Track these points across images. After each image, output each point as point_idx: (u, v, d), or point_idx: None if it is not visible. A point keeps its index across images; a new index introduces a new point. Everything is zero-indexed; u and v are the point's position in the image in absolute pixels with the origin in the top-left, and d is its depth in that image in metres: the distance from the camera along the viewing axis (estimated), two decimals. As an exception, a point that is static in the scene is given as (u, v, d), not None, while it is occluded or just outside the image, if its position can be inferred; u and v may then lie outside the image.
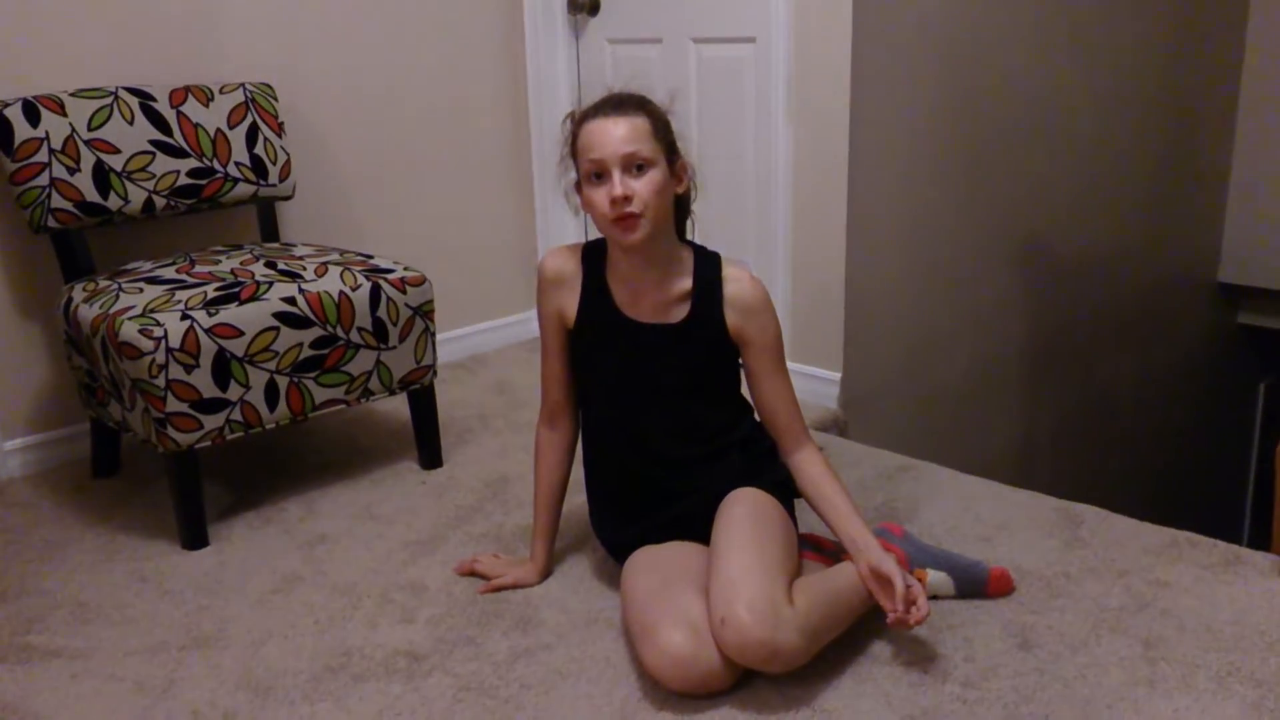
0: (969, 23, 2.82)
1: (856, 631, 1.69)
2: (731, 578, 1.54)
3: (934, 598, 1.81)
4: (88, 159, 2.33)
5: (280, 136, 2.63)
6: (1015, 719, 1.52)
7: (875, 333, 2.78)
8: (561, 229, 3.33)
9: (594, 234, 1.77)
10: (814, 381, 2.75)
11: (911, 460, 2.43)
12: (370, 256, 2.40)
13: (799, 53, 2.62)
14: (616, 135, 1.62)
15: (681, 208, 1.77)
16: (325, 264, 2.29)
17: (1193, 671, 1.61)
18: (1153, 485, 3.99)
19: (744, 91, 2.81)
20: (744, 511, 1.69)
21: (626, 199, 1.61)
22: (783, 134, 2.70)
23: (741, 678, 1.57)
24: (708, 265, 1.75)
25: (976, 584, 1.82)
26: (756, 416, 1.84)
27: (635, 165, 1.63)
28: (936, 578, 1.81)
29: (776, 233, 2.77)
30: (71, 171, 2.31)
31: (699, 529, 1.74)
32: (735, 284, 1.74)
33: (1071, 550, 1.99)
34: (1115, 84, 3.40)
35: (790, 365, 2.94)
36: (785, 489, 1.80)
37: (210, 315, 2.05)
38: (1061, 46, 3.14)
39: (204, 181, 2.49)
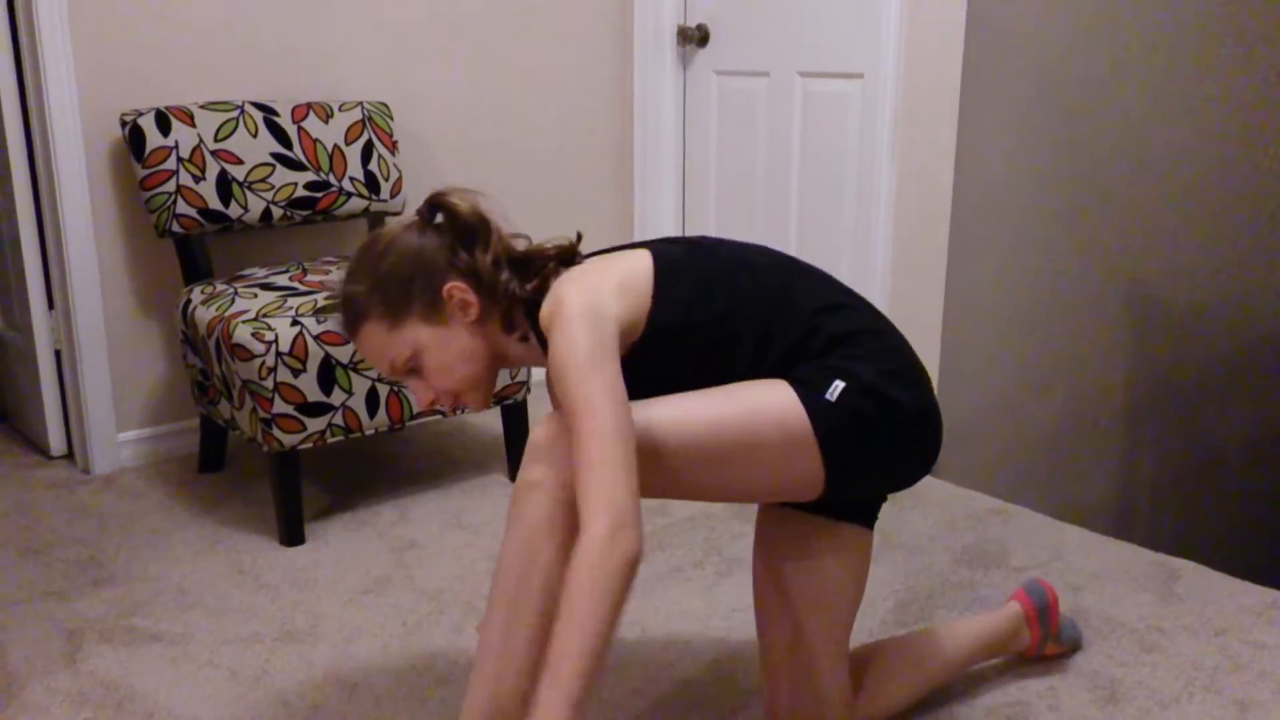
0: (1084, 62, 2.78)
1: (938, 671, 1.67)
2: (785, 705, 1.47)
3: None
4: (213, 168, 2.44)
5: (394, 154, 2.72)
6: (1099, 772, 1.49)
7: (970, 372, 2.75)
8: (659, 255, 3.37)
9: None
10: (905, 419, 2.73)
11: (1003, 504, 2.39)
12: (473, 273, 2.46)
13: (907, 90, 2.62)
14: (368, 356, 1.42)
15: (495, 295, 1.38)
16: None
17: (1291, 738, 1.56)
18: (1259, 546, 3.83)
19: (848, 128, 2.82)
20: (794, 591, 1.44)
21: (433, 400, 1.42)
22: (886, 171, 2.69)
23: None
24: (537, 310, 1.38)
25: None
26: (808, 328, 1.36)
27: (405, 369, 1.40)
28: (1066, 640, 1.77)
29: (874, 269, 2.76)
30: (197, 180, 2.42)
31: None
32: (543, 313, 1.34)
33: (1166, 605, 1.94)
34: (1235, 127, 3.31)
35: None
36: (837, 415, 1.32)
37: (319, 323, 2.13)
38: (1179, 87, 3.07)
39: (319, 194, 2.59)
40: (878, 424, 1.31)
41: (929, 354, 2.67)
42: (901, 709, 1.58)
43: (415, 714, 1.63)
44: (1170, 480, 3.45)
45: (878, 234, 2.74)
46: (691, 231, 3.35)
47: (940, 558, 2.12)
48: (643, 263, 1.36)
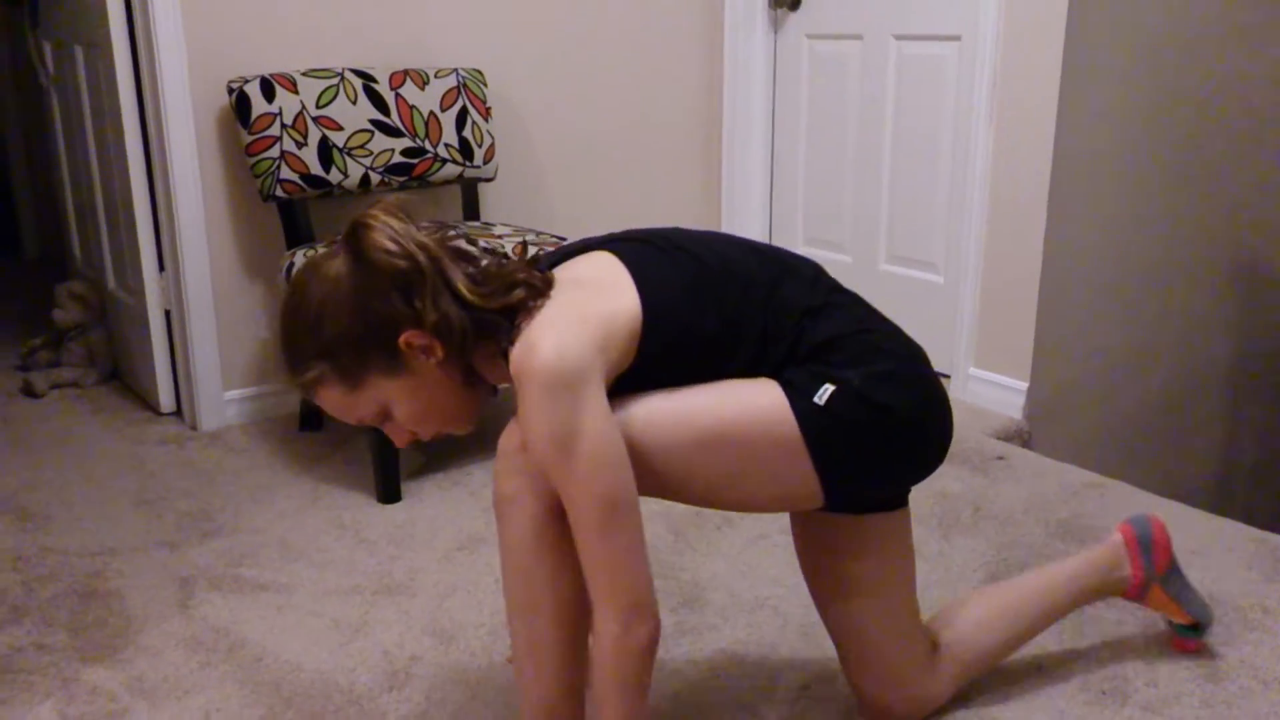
0: (1189, 22, 2.68)
1: (1032, 644, 1.65)
2: (868, 692, 1.49)
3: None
4: (314, 135, 2.50)
5: (487, 121, 2.75)
6: (1198, 749, 1.46)
7: (1067, 342, 2.69)
8: (746, 215, 3.36)
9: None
10: (998, 390, 2.69)
11: (1099, 477, 2.35)
12: (563, 238, 2.48)
13: (1006, 53, 2.56)
14: (330, 412, 1.33)
15: (453, 336, 1.26)
16: (522, 243, 2.39)
17: (1402, 722, 1.51)
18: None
19: (944, 91, 2.77)
20: (842, 588, 1.44)
21: (412, 439, 1.35)
22: (983, 136, 2.64)
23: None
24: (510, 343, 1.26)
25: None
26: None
27: (376, 422, 1.32)
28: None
29: (969, 235, 2.71)
30: (299, 146, 2.48)
31: None
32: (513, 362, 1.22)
33: (1271, 583, 1.89)
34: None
35: (973, 372, 2.82)
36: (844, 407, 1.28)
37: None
38: (1294, 53, 2.94)
39: (415, 161, 2.63)
40: (869, 429, 1.28)
41: (1024, 324, 2.62)
42: (1000, 655, 1.57)
43: (509, 668, 1.67)
44: (1273, 458, 3.34)
45: (973, 202, 2.69)
46: (780, 202, 3.33)
47: (1034, 530, 2.10)
48: (627, 302, 1.25)
